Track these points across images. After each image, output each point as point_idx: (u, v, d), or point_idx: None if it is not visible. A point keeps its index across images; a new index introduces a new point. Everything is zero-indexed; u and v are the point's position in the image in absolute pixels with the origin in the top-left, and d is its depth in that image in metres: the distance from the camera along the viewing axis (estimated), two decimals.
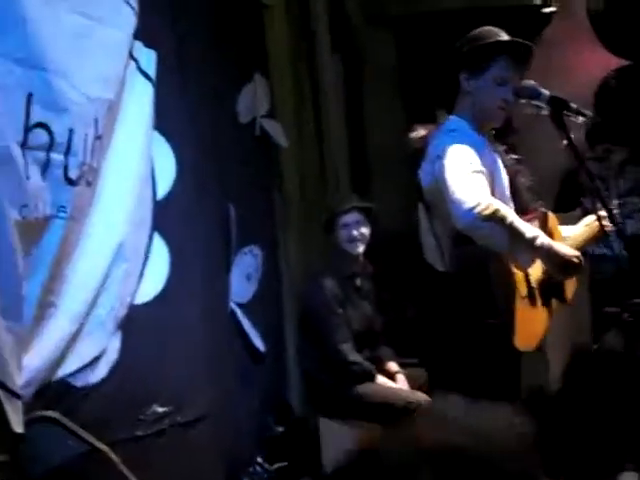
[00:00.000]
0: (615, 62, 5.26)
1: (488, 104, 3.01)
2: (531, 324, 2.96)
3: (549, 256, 2.81)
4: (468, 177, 2.79)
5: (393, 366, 4.26)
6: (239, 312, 4.35)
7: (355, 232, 4.15)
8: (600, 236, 3.19)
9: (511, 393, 2.88)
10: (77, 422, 2.99)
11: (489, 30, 3.02)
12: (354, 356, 4.03)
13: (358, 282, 4.24)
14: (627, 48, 5.15)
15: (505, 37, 3.00)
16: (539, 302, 2.98)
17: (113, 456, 2.96)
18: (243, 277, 4.45)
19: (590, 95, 5.01)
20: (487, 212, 2.69)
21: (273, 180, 4.96)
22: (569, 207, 4.15)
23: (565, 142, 2.78)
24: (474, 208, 2.70)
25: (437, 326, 3.02)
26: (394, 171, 6.31)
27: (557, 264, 2.81)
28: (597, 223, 3.13)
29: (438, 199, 2.89)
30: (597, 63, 5.36)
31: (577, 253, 2.88)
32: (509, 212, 2.80)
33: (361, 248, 4.17)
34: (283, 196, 5.01)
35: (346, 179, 5.84)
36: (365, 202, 4.37)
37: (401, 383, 4.15)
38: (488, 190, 2.83)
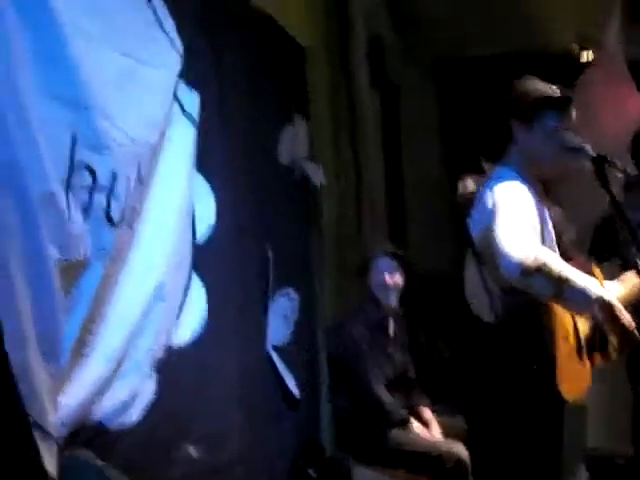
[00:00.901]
0: None
1: (540, 154, 3.00)
2: (576, 376, 2.90)
3: (603, 308, 2.73)
4: (517, 228, 2.76)
5: (427, 413, 4.21)
6: (275, 355, 4.33)
7: (388, 279, 4.12)
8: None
9: (554, 445, 2.83)
10: (111, 464, 2.96)
11: (536, 81, 3.03)
12: (388, 399, 3.99)
13: (389, 327, 4.20)
14: None
15: (554, 88, 3.01)
16: (585, 355, 2.92)
17: None
18: (280, 320, 4.43)
19: (628, 142, 4.97)
20: (534, 265, 2.65)
21: (311, 223, 4.95)
22: (603, 257, 4.10)
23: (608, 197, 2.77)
24: (521, 260, 2.67)
25: (479, 374, 2.97)
26: (430, 214, 6.30)
27: (610, 319, 2.74)
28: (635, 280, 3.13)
29: (488, 249, 2.86)
30: (635, 110, 5.34)
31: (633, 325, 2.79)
32: (559, 262, 2.75)
33: (393, 296, 4.15)
34: (320, 239, 5.01)
35: (383, 221, 5.83)
36: (399, 249, 4.35)
37: (435, 431, 4.10)
38: (538, 241, 2.79)
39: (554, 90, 3.00)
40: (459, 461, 3.72)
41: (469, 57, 6.28)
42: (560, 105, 2.98)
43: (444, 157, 6.46)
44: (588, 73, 5.59)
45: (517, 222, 2.78)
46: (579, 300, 2.72)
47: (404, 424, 3.98)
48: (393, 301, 4.16)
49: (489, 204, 2.87)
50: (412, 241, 6.11)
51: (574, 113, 3.01)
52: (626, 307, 2.85)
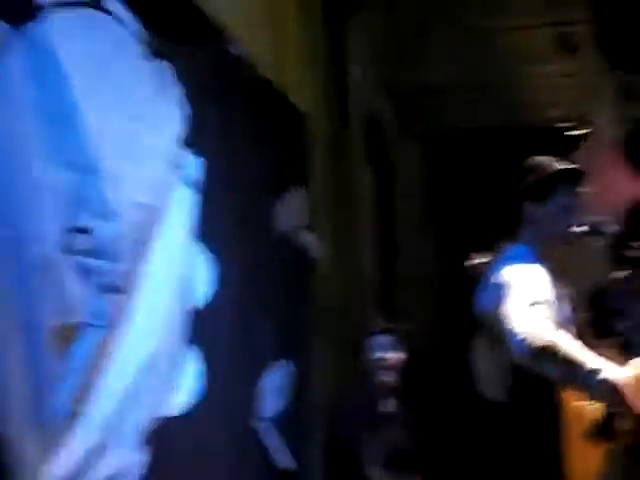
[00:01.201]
0: None
1: (556, 231, 2.95)
2: (585, 458, 2.81)
3: (615, 392, 2.64)
4: (528, 307, 2.69)
5: None
6: (267, 428, 4.21)
7: (386, 358, 4.01)
8: None
9: None
10: None
11: (544, 159, 3.00)
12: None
13: (386, 406, 4.09)
14: None
15: (564, 164, 2.98)
16: (595, 438, 2.83)
17: None
18: (274, 392, 4.31)
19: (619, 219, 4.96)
20: (543, 345, 2.58)
21: (307, 294, 4.87)
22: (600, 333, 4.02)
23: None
24: (530, 340, 2.59)
25: (483, 453, 2.87)
26: (422, 292, 6.26)
27: (622, 403, 2.65)
28: None
29: (498, 327, 2.79)
30: (627, 189, 5.34)
31: None
32: (569, 343, 2.67)
33: (390, 377, 4.05)
34: (316, 311, 4.92)
35: (374, 296, 5.78)
36: (399, 325, 4.26)
37: None
38: (550, 321, 2.71)
39: (565, 164, 2.98)
40: None
41: (461, 129, 6.31)
42: (574, 179, 2.95)
43: (437, 236, 6.44)
44: (580, 151, 5.60)
45: (527, 301, 2.72)
46: (589, 384, 2.62)
47: None
48: (391, 378, 4.05)
49: (500, 281, 2.81)
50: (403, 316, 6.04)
51: (587, 188, 2.98)
52: None
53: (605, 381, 2.61)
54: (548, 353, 2.59)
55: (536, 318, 2.68)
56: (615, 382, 2.62)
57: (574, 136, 6.03)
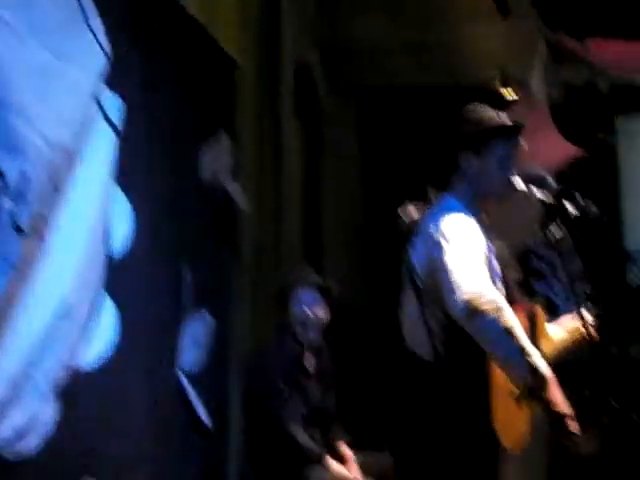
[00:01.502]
0: (573, 151, 5.25)
1: (493, 184, 2.86)
2: (514, 422, 2.75)
3: (538, 381, 2.56)
4: (468, 264, 2.61)
5: (346, 450, 4.01)
6: (186, 381, 4.09)
7: (310, 314, 3.89)
8: (580, 345, 3.06)
9: None
10: None
11: (485, 109, 2.91)
12: (301, 437, 3.77)
13: (308, 363, 3.99)
14: (584, 138, 5.19)
15: (504, 116, 2.90)
16: (524, 402, 2.75)
17: None
18: (193, 345, 4.19)
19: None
20: (483, 306, 2.50)
21: (230, 245, 4.74)
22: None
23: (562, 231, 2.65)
24: (470, 298, 2.51)
25: (410, 411, 2.79)
26: (348, 244, 6.19)
27: (541, 393, 2.57)
28: (579, 330, 3.04)
29: (433, 283, 2.70)
30: (555, 152, 5.33)
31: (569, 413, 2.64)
32: (510, 313, 2.59)
33: (313, 330, 3.93)
34: (238, 263, 4.80)
35: (300, 250, 5.69)
36: (325, 280, 4.12)
37: (353, 469, 3.91)
38: (488, 280, 2.63)
39: (505, 118, 2.89)
40: None
41: (393, 86, 6.22)
42: (511, 133, 2.86)
43: (365, 191, 6.37)
44: (511, 110, 5.55)
45: (467, 257, 2.63)
46: (516, 364, 2.55)
47: (319, 461, 3.77)
48: (314, 335, 3.94)
49: (435, 235, 2.71)
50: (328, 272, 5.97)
51: (523, 142, 2.90)
52: (567, 352, 2.73)
53: (536, 370, 2.54)
54: (489, 316, 2.51)
55: (477, 276, 2.59)
56: (543, 371, 2.55)
57: (506, 97, 5.99)
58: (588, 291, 4.44)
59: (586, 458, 3.16)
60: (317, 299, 3.96)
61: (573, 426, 2.60)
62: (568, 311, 3.22)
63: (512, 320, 2.56)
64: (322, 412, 4.01)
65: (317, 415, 3.96)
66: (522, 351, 2.53)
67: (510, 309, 2.58)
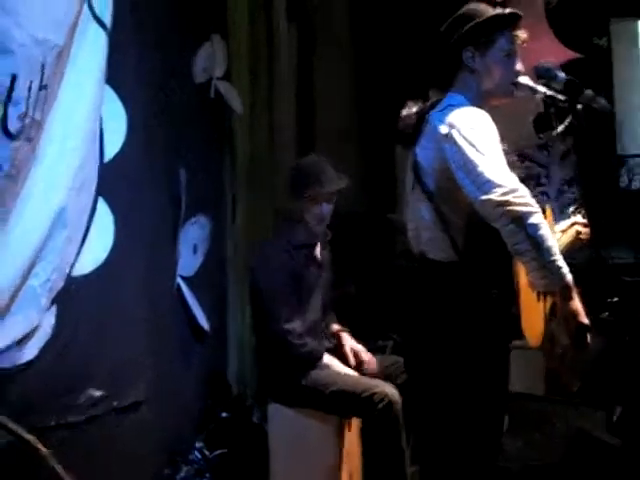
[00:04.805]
0: (569, 55, 5.14)
1: (501, 78, 2.76)
2: (534, 321, 2.70)
3: (566, 296, 2.47)
4: (492, 156, 2.50)
5: (336, 327, 3.93)
6: (184, 286, 4.05)
7: (327, 213, 3.78)
8: (576, 245, 3.00)
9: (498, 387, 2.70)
10: (3, 407, 2.67)
11: (480, 5, 2.80)
12: (300, 337, 3.68)
13: (315, 251, 3.88)
14: (579, 42, 5.08)
15: (500, 10, 2.79)
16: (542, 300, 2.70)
17: (41, 447, 2.63)
18: (189, 249, 4.13)
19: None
20: (518, 210, 2.42)
21: (224, 146, 4.65)
22: None
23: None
24: (504, 196, 2.43)
25: (422, 313, 2.73)
26: (340, 146, 6.09)
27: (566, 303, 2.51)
28: (574, 230, 3.00)
29: (447, 182, 2.61)
30: (550, 54, 5.23)
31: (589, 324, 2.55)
32: (541, 215, 2.50)
33: (324, 228, 3.85)
34: (233, 163, 4.72)
35: (293, 150, 5.60)
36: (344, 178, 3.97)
37: (347, 342, 3.84)
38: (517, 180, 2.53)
39: (502, 10, 2.78)
40: (390, 402, 3.48)
41: None
42: (510, 23, 2.76)
43: (360, 95, 6.22)
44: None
45: (490, 152, 2.52)
46: (546, 267, 2.46)
47: (319, 359, 3.69)
48: (325, 229, 3.83)
49: (447, 133, 2.60)
50: None
51: (524, 33, 2.80)
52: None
53: (564, 275, 2.48)
54: (522, 222, 2.43)
55: (505, 172, 2.50)
56: (570, 282, 2.49)
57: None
58: (580, 195, 4.41)
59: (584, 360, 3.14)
60: (335, 197, 3.83)
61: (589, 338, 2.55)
62: (560, 214, 3.17)
63: (543, 220, 2.49)
64: (331, 303, 3.94)
65: (325, 308, 3.89)
66: (554, 255, 2.48)
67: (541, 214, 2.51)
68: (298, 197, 3.69)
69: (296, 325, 3.62)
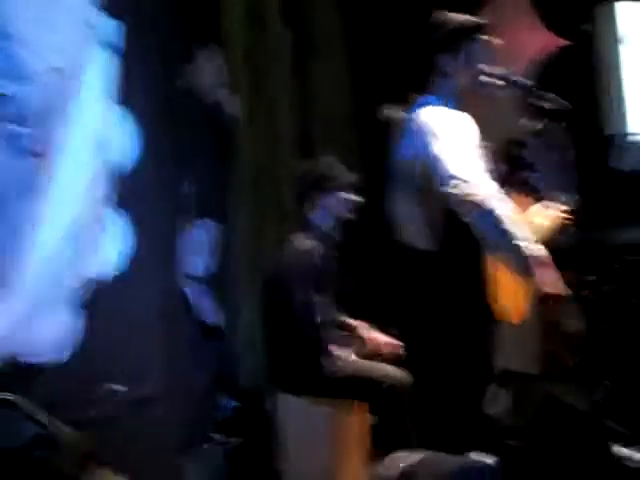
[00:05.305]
0: (554, 40, 5.28)
1: (469, 82, 2.97)
2: (515, 298, 2.87)
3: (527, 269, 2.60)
4: (457, 151, 2.70)
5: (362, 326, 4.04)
6: (195, 287, 4.27)
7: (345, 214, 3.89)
8: (558, 231, 3.15)
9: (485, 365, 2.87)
10: (33, 403, 2.90)
11: (450, 14, 3.02)
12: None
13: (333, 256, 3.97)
14: (567, 28, 5.20)
15: (470, 18, 3.01)
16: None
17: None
18: (198, 250, 4.36)
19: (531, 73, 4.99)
20: (479, 198, 2.60)
21: (227, 151, 4.85)
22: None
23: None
24: (468, 187, 2.61)
25: (413, 299, 2.92)
26: (339, 142, 6.24)
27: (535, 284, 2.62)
28: (556, 215, 3.12)
29: (425, 177, 2.79)
30: (536, 41, 5.35)
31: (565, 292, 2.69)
32: (504, 201, 2.68)
33: (339, 230, 3.96)
34: (237, 167, 4.91)
35: (295, 149, 5.75)
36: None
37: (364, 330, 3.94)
38: (480, 167, 2.72)
39: (471, 18, 3.00)
40: (399, 387, 3.57)
41: None
42: (480, 31, 2.98)
43: (355, 95, 6.37)
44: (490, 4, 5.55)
45: (454, 147, 2.72)
46: (509, 249, 2.62)
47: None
48: (339, 231, 3.92)
49: (420, 130, 2.81)
50: None
51: (494, 39, 3.01)
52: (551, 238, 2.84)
53: (522, 251, 2.61)
54: (485, 209, 2.62)
55: (468, 165, 2.68)
56: (541, 257, 2.62)
57: None
58: (569, 178, 4.52)
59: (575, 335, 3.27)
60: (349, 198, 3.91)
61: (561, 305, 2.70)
62: (549, 198, 3.28)
63: (503, 205, 2.66)
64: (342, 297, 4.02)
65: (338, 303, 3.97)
66: (513, 236, 2.62)
67: (501, 194, 2.70)
68: (323, 189, 3.77)
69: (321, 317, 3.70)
